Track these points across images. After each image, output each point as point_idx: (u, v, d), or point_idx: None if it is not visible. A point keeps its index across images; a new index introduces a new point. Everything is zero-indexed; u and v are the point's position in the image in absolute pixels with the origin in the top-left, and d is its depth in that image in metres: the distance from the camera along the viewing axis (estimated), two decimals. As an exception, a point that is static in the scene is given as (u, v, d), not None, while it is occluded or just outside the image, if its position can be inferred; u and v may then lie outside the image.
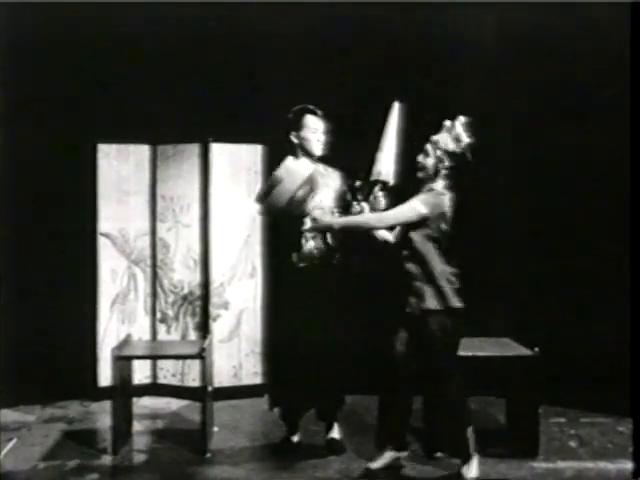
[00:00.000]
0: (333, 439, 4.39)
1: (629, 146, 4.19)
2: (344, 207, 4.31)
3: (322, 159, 4.34)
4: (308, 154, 4.30)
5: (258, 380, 5.45)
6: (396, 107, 4.22)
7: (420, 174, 4.01)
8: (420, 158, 4.01)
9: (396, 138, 4.20)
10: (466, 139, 3.96)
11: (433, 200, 3.94)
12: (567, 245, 5.12)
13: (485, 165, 5.27)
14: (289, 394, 4.35)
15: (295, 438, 4.41)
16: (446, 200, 3.96)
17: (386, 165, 4.19)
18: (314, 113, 4.28)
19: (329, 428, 4.42)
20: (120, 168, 5.43)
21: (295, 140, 4.29)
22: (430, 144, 3.99)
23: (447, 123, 3.99)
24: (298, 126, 4.28)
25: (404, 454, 4.10)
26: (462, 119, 3.98)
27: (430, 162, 3.98)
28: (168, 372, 5.45)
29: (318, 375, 4.23)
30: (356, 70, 5.36)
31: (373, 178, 4.21)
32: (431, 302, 3.91)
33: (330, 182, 4.34)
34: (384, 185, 4.19)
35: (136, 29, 5.27)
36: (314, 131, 4.27)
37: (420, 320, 3.91)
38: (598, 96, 4.97)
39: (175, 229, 5.44)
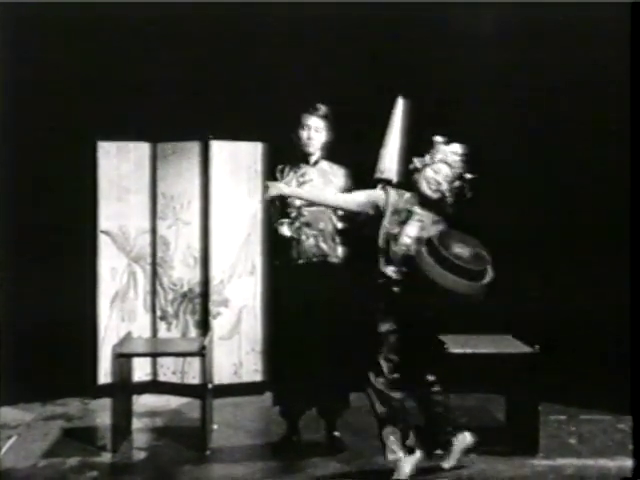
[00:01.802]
0: (333, 437, 4.40)
1: (629, 145, 4.19)
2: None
3: (327, 156, 4.35)
4: (308, 153, 4.32)
5: (258, 378, 5.45)
6: (400, 103, 4.21)
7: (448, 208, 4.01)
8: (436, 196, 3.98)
9: (400, 134, 4.19)
10: (456, 159, 3.96)
11: None
12: (567, 243, 5.13)
13: (484, 165, 5.33)
14: (289, 392, 4.35)
15: (295, 436, 4.42)
16: None
17: (390, 163, 4.19)
18: (314, 111, 4.29)
19: (329, 426, 4.42)
20: (120, 166, 5.43)
21: (296, 138, 4.31)
22: (431, 184, 3.94)
23: (427, 158, 3.95)
24: (298, 125, 4.29)
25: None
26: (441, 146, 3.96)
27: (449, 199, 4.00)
28: (168, 370, 5.45)
29: (318, 373, 4.24)
30: (358, 66, 5.36)
31: (376, 176, 4.21)
32: None
33: (334, 180, 4.35)
34: (387, 183, 4.19)
35: (136, 27, 5.27)
36: (315, 130, 4.28)
37: None
38: (598, 96, 4.97)
39: (175, 227, 5.44)
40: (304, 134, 4.28)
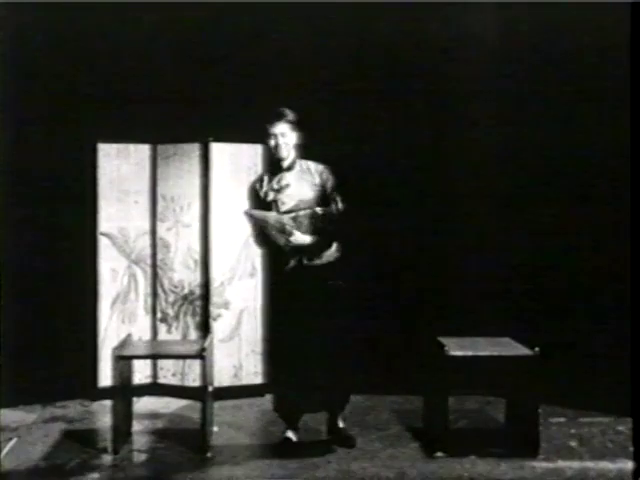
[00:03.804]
0: (339, 429, 4.45)
1: (629, 145, 4.18)
2: (325, 202, 4.34)
3: (303, 156, 4.40)
4: (280, 158, 4.37)
5: (258, 380, 5.45)
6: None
7: None
8: None
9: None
10: None
11: None
12: (567, 244, 5.12)
13: (485, 166, 5.34)
14: (288, 395, 4.37)
15: (294, 437, 4.42)
16: None
17: None
18: (278, 118, 4.33)
19: (333, 420, 4.47)
20: (120, 167, 5.43)
21: (270, 144, 4.37)
22: None
23: None
24: (270, 131, 4.34)
25: None
26: None
27: None
28: (168, 372, 5.45)
29: (314, 374, 4.27)
30: (358, 69, 5.37)
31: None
32: None
33: (312, 178, 4.37)
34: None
35: (136, 29, 5.28)
36: (282, 135, 4.33)
37: None
38: (598, 96, 4.97)
39: (175, 229, 5.44)
40: (272, 142, 4.35)
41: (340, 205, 4.33)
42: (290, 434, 4.42)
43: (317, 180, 4.37)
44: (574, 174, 5.09)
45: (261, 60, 5.38)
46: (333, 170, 4.39)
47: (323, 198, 4.34)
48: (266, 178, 4.44)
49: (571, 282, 5.07)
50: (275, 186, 4.38)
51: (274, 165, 4.44)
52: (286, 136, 4.33)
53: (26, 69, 5.10)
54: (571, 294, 5.06)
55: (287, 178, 4.38)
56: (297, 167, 4.39)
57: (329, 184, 4.36)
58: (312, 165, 4.40)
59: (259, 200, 4.42)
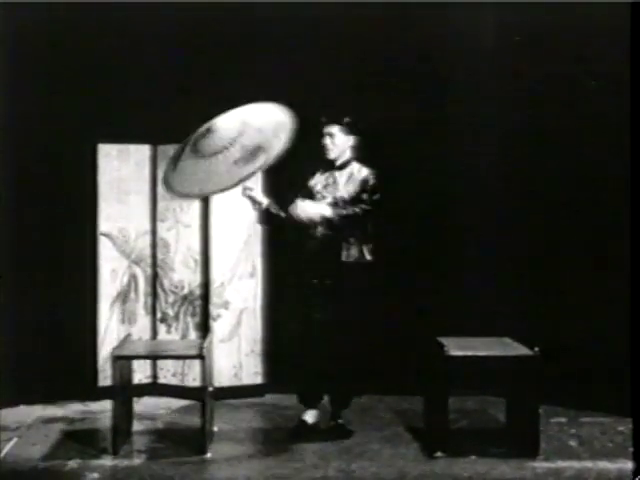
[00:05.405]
0: (338, 424, 4.51)
1: (629, 146, 4.18)
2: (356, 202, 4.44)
3: (358, 158, 4.52)
4: (329, 158, 4.50)
5: (258, 380, 5.46)
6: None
7: None
8: None
9: None
10: None
11: None
12: (567, 244, 5.12)
13: (485, 166, 5.34)
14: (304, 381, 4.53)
15: (310, 420, 4.50)
16: None
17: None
18: (331, 119, 4.46)
19: (335, 414, 4.55)
20: (120, 168, 5.44)
21: (321, 143, 4.48)
22: None
23: None
24: (321, 131, 4.48)
25: None
26: None
27: None
28: (168, 372, 5.45)
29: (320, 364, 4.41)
30: (357, 68, 5.37)
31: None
32: None
33: (356, 180, 4.48)
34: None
35: (136, 28, 5.28)
36: (332, 136, 4.46)
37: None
38: (598, 96, 4.97)
39: (175, 229, 5.44)
40: (322, 141, 4.47)
41: (363, 206, 4.41)
42: (307, 416, 4.49)
43: (358, 182, 4.46)
44: (574, 175, 5.09)
45: (261, 61, 5.38)
46: (377, 176, 4.48)
47: (358, 199, 4.44)
48: (321, 171, 4.56)
49: (571, 282, 5.07)
50: (323, 181, 4.53)
51: (327, 162, 4.54)
52: (335, 137, 4.45)
53: (26, 69, 5.09)
54: (571, 294, 5.06)
55: (334, 176, 4.51)
56: (348, 168, 4.51)
57: (364, 187, 4.45)
58: (362, 168, 4.49)
59: (307, 188, 4.55)
